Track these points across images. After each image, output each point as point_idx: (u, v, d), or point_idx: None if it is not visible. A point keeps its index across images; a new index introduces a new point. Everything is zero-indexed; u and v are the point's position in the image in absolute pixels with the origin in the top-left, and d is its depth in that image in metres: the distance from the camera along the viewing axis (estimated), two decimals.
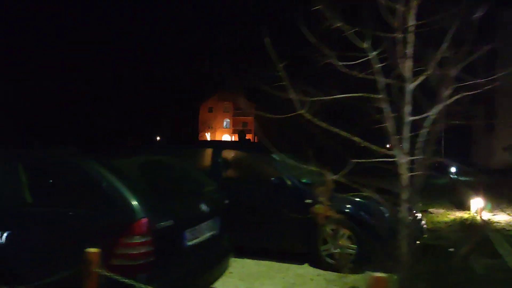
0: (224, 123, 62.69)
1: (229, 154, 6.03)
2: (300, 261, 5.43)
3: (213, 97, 62.18)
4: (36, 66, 43.49)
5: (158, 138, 61.89)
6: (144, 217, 2.88)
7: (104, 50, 75.25)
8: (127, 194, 2.96)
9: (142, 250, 2.86)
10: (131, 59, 71.45)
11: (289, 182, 5.41)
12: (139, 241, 2.85)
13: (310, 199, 5.28)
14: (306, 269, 5.23)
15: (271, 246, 5.57)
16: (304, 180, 5.52)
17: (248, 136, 60.77)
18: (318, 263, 5.24)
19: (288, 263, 5.40)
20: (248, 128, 61.39)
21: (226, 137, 58.38)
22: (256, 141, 59.58)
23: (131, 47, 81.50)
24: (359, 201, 5.34)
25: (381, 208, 5.26)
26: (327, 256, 5.16)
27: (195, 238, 3.37)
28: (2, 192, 3.18)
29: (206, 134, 60.44)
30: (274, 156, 5.84)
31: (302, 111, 3.11)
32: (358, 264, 5.05)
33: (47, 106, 40.49)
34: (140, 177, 3.40)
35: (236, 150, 6.26)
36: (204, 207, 3.54)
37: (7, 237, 3.00)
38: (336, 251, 5.11)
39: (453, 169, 17.09)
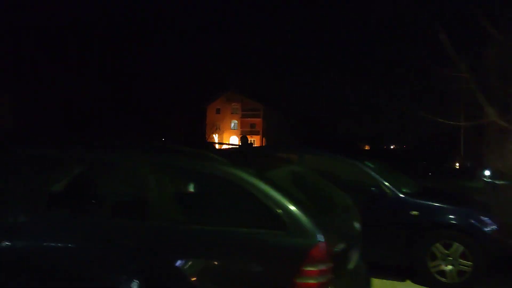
0: (232, 125, 62.18)
1: (315, 160, 5.61)
2: (398, 277, 5.02)
3: (220, 98, 61.71)
4: (38, 66, 42.93)
5: (163, 139, 61.58)
6: (322, 241, 2.48)
7: (111, 51, 74.87)
8: (297, 212, 2.56)
9: (323, 280, 2.45)
10: (137, 58, 71.02)
11: (390, 192, 5.00)
12: (320, 268, 2.45)
13: (415, 211, 4.89)
14: (412, 287, 4.81)
15: (370, 260, 5.15)
16: (404, 190, 5.11)
17: (256, 138, 60.44)
18: (424, 280, 4.83)
19: (385, 279, 4.99)
20: (257, 129, 60.99)
21: (234, 139, 57.97)
22: (264, 143, 59.23)
23: (138, 46, 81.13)
24: (464, 209, 4.94)
25: (484, 218, 4.88)
26: (436, 273, 4.75)
27: (352, 261, 2.97)
28: (144, 208, 2.76)
29: (214, 135, 59.95)
30: (367, 163, 5.45)
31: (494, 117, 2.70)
32: (472, 283, 4.65)
33: (49, 106, 40.05)
34: (296, 191, 2.99)
35: (323, 156, 5.83)
36: (356, 224, 3.15)
37: (155, 262, 2.59)
38: (447, 267, 4.70)
39: (487, 172, 16.63)
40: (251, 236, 2.56)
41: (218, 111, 61.82)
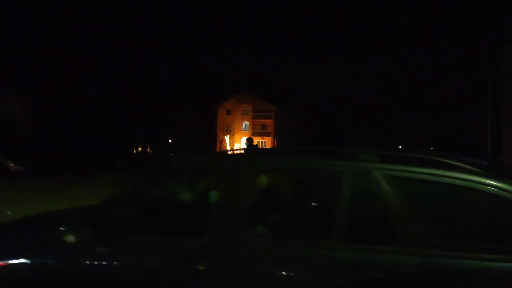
0: (243, 126, 61.73)
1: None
2: None
3: (231, 100, 61.30)
4: (43, 68, 42.61)
5: (170, 141, 61.15)
6: None
7: (121, 51, 74.58)
8: None
9: None
10: (147, 60, 70.67)
11: None
12: None
13: None
14: None
15: None
16: None
17: (268, 139, 59.98)
18: None
19: None
20: (268, 130, 60.56)
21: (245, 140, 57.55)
22: (276, 144, 58.66)
23: (148, 47, 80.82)
24: None
25: None
26: None
27: None
28: (391, 229, 2.24)
29: (225, 137, 59.52)
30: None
31: None
32: None
33: (63, 107, 39.67)
34: None
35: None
36: None
37: None
38: None
39: None
40: None
41: (228, 112, 61.41)
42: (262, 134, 60.54)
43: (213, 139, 61.26)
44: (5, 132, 26.14)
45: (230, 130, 59.30)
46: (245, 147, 10.81)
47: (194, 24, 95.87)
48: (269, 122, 60.69)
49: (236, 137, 59.30)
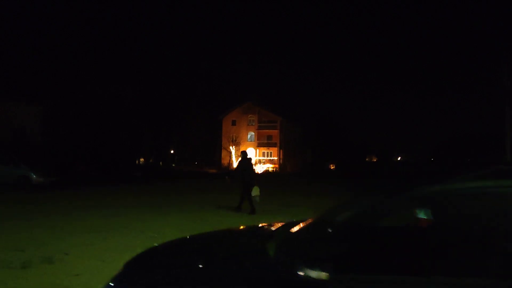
0: (248, 136, 61.26)
1: None
2: None
3: (236, 110, 60.89)
4: (51, 77, 42.26)
5: (172, 151, 60.50)
6: None
7: (124, 60, 74.29)
8: None
9: None
10: (151, 68, 70.43)
11: None
12: None
13: None
14: None
15: None
16: None
17: (273, 150, 59.55)
18: None
19: None
20: (273, 141, 60.16)
21: (251, 151, 57.08)
22: (281, 155, 58.15)
23: (152, 55, 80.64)
24: None
25: None
26: None
27: None
28: None
29: (230, 147, 59.04)
30: None
31: None
32: None
33: (71, 116, 39.13)
34: None
35: None
36: None
37: None
38: None
39: None
40: None
41: (234, 122, 60.98)
42: (268, 145, 60.16)
43: (218, 150, 60.72)
44: (20, 142, 25.56)
45: (236, 141, 58.81)
46: (240, 159, 10.87)
47: (199, 33, 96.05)
48: (275, 132, 60.31)
49: (242, 148, 58.84)
